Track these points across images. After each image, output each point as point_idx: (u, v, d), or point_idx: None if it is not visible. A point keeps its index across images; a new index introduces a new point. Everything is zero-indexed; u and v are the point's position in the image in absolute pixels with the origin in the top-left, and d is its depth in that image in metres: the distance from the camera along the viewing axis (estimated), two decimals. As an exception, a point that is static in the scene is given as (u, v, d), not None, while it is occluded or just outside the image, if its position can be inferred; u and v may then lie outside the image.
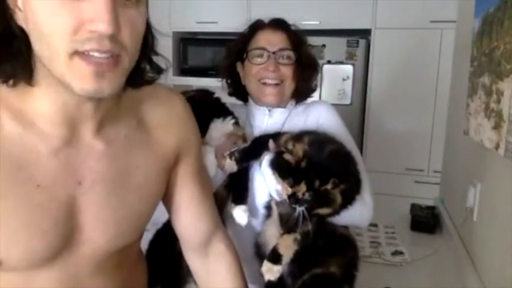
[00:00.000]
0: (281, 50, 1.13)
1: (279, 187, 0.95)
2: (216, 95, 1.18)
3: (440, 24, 2.59)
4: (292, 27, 1.20)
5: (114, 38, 0.54)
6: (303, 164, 0.92)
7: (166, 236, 1.00)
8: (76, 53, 0.54)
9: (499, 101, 1.12)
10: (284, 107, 1.17)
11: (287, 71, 1.13)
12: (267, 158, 1.00)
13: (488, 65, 1.24)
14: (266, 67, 1.12)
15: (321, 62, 2.80)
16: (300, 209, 0.93)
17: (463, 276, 1.34)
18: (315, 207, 0.94)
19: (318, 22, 2.84)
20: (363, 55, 2.76)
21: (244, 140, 1.10)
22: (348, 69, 2.77)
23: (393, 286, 1.30)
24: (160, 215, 0.87)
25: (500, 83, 1.12)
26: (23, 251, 0.61)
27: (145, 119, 0.73)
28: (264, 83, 1.12)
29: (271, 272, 0.93)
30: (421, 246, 1.62)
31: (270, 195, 1.03)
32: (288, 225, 0.98)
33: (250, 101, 1.19)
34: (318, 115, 1.17)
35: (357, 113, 2.82)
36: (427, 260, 1.49)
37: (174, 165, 0.79)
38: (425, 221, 1.78)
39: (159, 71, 0.69)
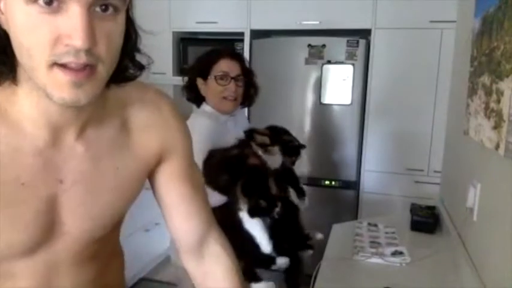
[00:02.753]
0: (238, 75, 1.58)
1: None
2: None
3: (440, 24, 2.58)
4: (243, 59, 1.67)
5: (90, 51, 0.55)
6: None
7: None
8: (55, 64, 0.55)
9: (499, 101, 1.12)
10: (236, 112, 1.68)
11: (240, 90, 1.61)
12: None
13: (488, 65, 1.24)
14: (229, 87, 1.56)
15: (320, 62, 2.81)
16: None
17: (463, 276, 1.34)
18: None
19: (318, 22, 2.84)
20: (363, 55, 2.76)
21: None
22: (348, 69, 2.77)
23: (393, 286, 1.30)
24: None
25: (500, 83, 1.12)
26: (6, 242, 0.65)
27: (129, 121, 0.74)
28: (225, 98, 1.57)
29: None
30: (421, 246, 1.62)
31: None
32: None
33: (210, 108, 1.60)
34: (243, 118, 1.82)
35: (357, 113, 2.82)
36: (427, 260, 1.49)
37: (156, 166, 0.80)
38: (425, 221, 1.78)
39: (140, 68, 0.71)
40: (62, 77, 0.56)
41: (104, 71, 0.59)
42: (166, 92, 0.84)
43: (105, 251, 0.82)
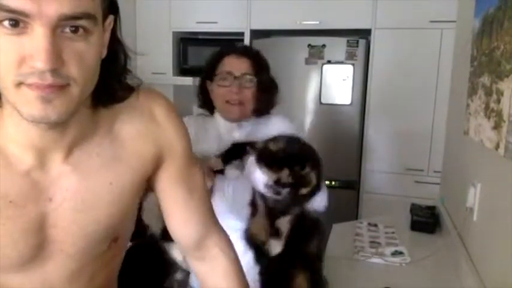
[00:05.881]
0: (244, 75, 1.31)
1: (265, 178, 1.14)
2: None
3: (440, 24, 2.59)
4: (256, 55, 1.39)
5: (56, 72, 0.55)
6: (282, 154, 1.15)
7: None
8: (22, 83, 0.55)
9: (499, 101, 1.12)
10: (247, 121, 1.36)
11: (248, 93, 1.32)
12: (251, 157, 1.18)
13: (488, 65, 1.24)
14: (230, 89, 1.31)
15: (320, 62, 2.81)
16: (284, 191, 1.13)
17: (463, 276, 1.34)
18: (297, 187, 1.15)
19: (318, 22, 2.84)
20: (363, 55, 2.76)
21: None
22: (348, 69, 2.77)
23: (393, 286, 1.30)
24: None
25: (500, 83, 1.12)
26: None
27: (121, 131, 0.72)
28: (229, 102, 1.32)
29: (275, 245, 1.19)
30: (421, 246, 1.62)
31: (254, 193, 1.22)
32: (279, 209, 1.19)
33: (219, 116, 1.37)
34: (278, 128, 1.34)
35: (357, 113, 2.82)
36: (427, 260, 1.49)
37: (153, 172, 0.78)
38: (425, 221, 1.78)
39: (130, 89, 0.70)
40: (29, 93, 0.55)
41: (77, 89, 0.58)
42: (166, 92, 0.82)
43: (105, 274, 0.81)
